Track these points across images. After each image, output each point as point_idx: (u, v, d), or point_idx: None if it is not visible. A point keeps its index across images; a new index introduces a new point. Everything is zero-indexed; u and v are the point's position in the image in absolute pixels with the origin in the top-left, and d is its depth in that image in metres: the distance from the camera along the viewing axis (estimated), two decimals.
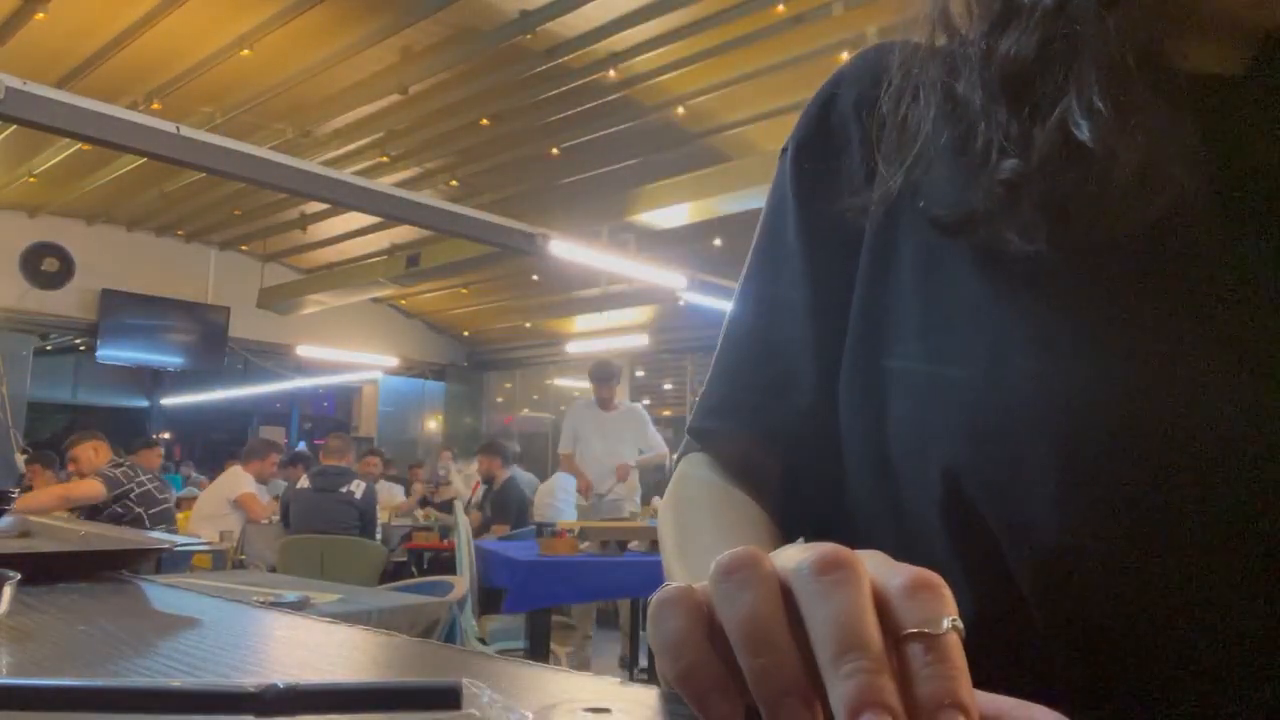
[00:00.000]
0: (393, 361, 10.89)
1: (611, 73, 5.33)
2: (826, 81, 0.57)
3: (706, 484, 0.57)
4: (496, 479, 6.16)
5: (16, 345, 8.29)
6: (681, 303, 7.95)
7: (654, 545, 3.62)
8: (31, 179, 7.23)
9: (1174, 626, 0.39)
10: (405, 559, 6.04)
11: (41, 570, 0.60)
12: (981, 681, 0.27)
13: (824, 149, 0.55)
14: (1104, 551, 0.39)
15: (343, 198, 5.56)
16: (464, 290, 9.93)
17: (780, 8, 4.60)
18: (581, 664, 4.64)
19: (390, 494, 7.48)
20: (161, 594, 0.60)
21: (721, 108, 5.73)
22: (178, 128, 4.57)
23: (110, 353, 8.92)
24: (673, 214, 6.14)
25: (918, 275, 0.48)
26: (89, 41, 5.28)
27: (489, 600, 3.95)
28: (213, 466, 10.67)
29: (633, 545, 3.62)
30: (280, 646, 0.46)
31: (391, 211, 5.85)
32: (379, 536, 5.30)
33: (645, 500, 5.42)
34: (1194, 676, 0.39)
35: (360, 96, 5.85)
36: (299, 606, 2.08)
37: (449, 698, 0.26)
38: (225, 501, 5.69)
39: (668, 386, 11.75)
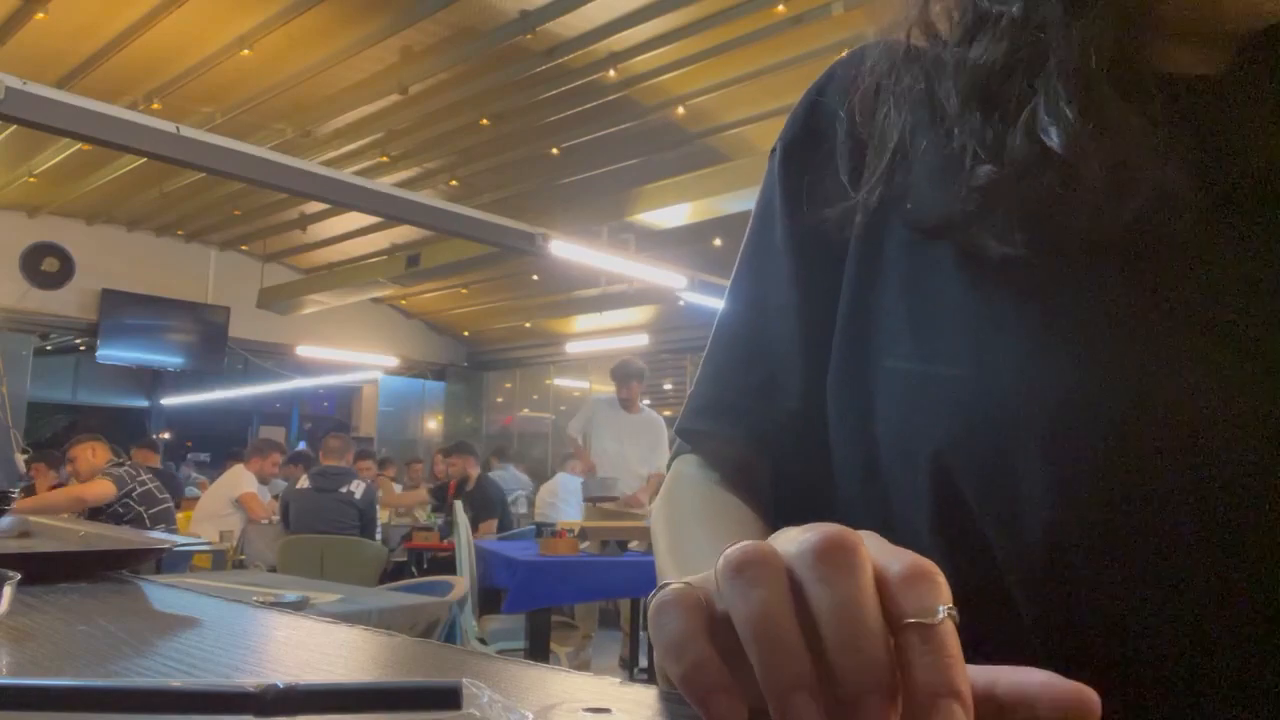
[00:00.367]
0: (392, 361, 10.89)
1: (611, 73, 5.33)
2: (814, 82, 0.59)
3: (697, 484, 0.57)
4: (470, 478, 6.20)
5: (16, 345, 8.29)
6: (681, 303, 7.95)
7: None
8: (31, 179, 7.23)
9: (1158, 626, 0.39)
10: (405, 559, 6.04)
11: (41, 570, 0.60)
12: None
13: (812, 151, 0.56)
14: (1091, 549, 0.40)
15: (343, 198, 5.56)
16: (464, 290, 9.93)
17: (780, 8, 4.60)
18: (581, 664, 4.64)
19: (389, 487, 7.49)
20: (161, 594, 0.60)
21: (721, 108, 5.73)
22: (178, 128, 4.57)
23: (110, 353, 8.92)
24: (673, 214, 6.14)
25: (903, 278, 0.48)
26: (89, 41, 5.28)
27: (489, 600, 3.95)
28: (213, 466, 10.68)
29: (633, 545, 3.62)
30: (280, 646, 0.45)
31: (391, 211, 5.85)
32: (379, 536, 5.29)
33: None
34: (1178, 678, 0.39)
35: (360, 96, 5.85)
36: (299, 606, 2.08)
37: (449, 698, 0.26)
38: (227, 501, 5.69)
39: (668, 386, 11.75)
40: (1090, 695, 0.27)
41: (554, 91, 5.59)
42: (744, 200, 5.84)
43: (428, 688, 0.26)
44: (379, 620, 2.18)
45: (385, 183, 6.34)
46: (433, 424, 11.81)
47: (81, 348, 9.70)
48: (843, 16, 4.60)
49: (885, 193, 0.49)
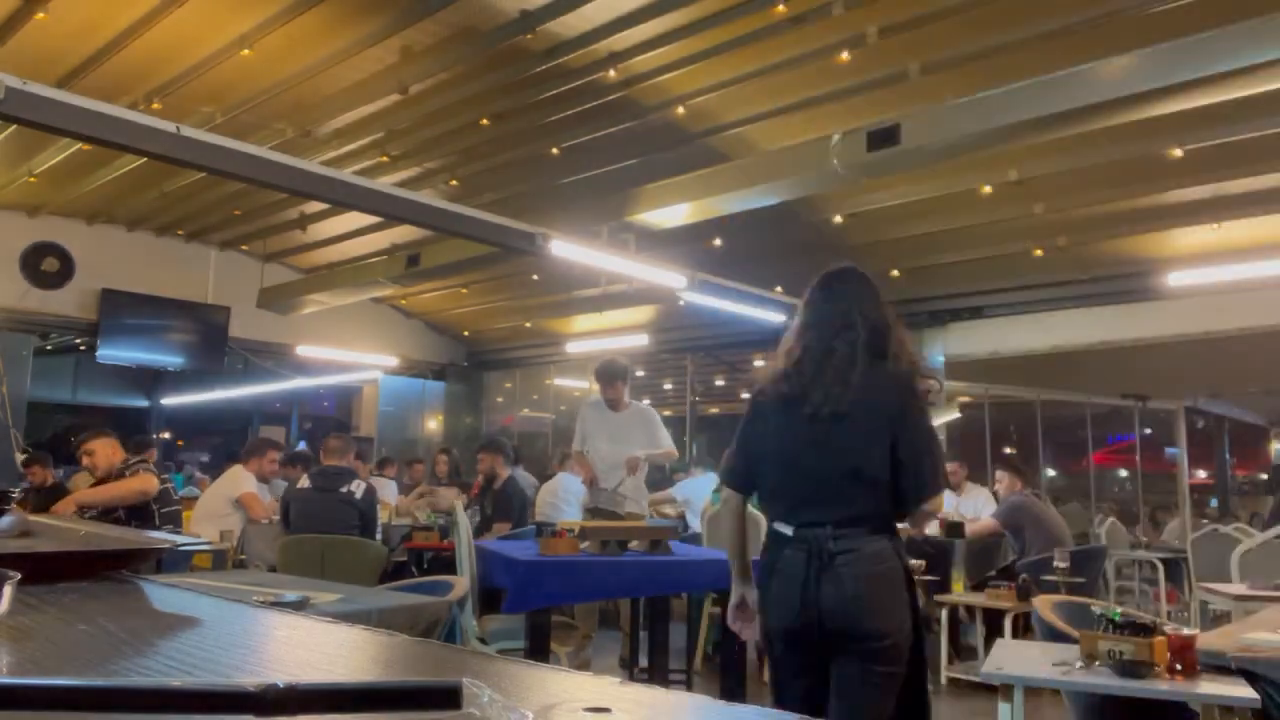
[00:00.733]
0: (392, 361, 10.89)
1: (611, 73, 5.33)
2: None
3: (729, 509, 2.46)
4: (498, 477, 6.14)
5: (16, 345, 8.29)
6: (681, 303, 7.95)
7: (654, 545, 3.62)
8: (31, 179, 7.23)
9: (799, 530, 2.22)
10: (405, 559, 6.03)
11: (41, 570, 0.60)
12: None
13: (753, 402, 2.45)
14: (784, 505, 2.28)
15: (343, 197, 5.55)
16: (464, 290, 9.93)
17: (780, 8, 4.60)
18: (581, 664, 4.64)
19: (385, 490, 7.49)
20: (161, 594, 0.60)
21: (721, 108, 5.73)
22: (178, 127, 4.57)
23: (110, 352, 8.91)
24: (673, 214, 6.14)
25: (761, 424, 2.35)
26: (89, 41, 5.28)
27: (489, 600, 3.95)
28: (213, 466, 10.69)
29: (633, 545, 3.61)
30: (280, 646, 0.45)
31: (391, 211, 5.85)
32: (379, 536, 5.29)
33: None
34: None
35: (360, 96, 5.85)
36: (299, 606, 2.08)
37: (449, 698, 0.26)
38: (226, 501, 5.69)
39: (668, 386, 11.75)
40: None
41: (554, 91, 5.59)
42: (744, 200, 5.84)
43: (428, 688, 0.26)
44: (379, 620, 2.17)
45: (385, 182, 6.34)
46: (433, 424, 11.81)
47: (81, 348, 9.69)
48: (843, 16, 4.59)
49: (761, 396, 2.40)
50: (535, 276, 8.84)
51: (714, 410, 12.56)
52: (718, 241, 7.35)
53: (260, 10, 4.95)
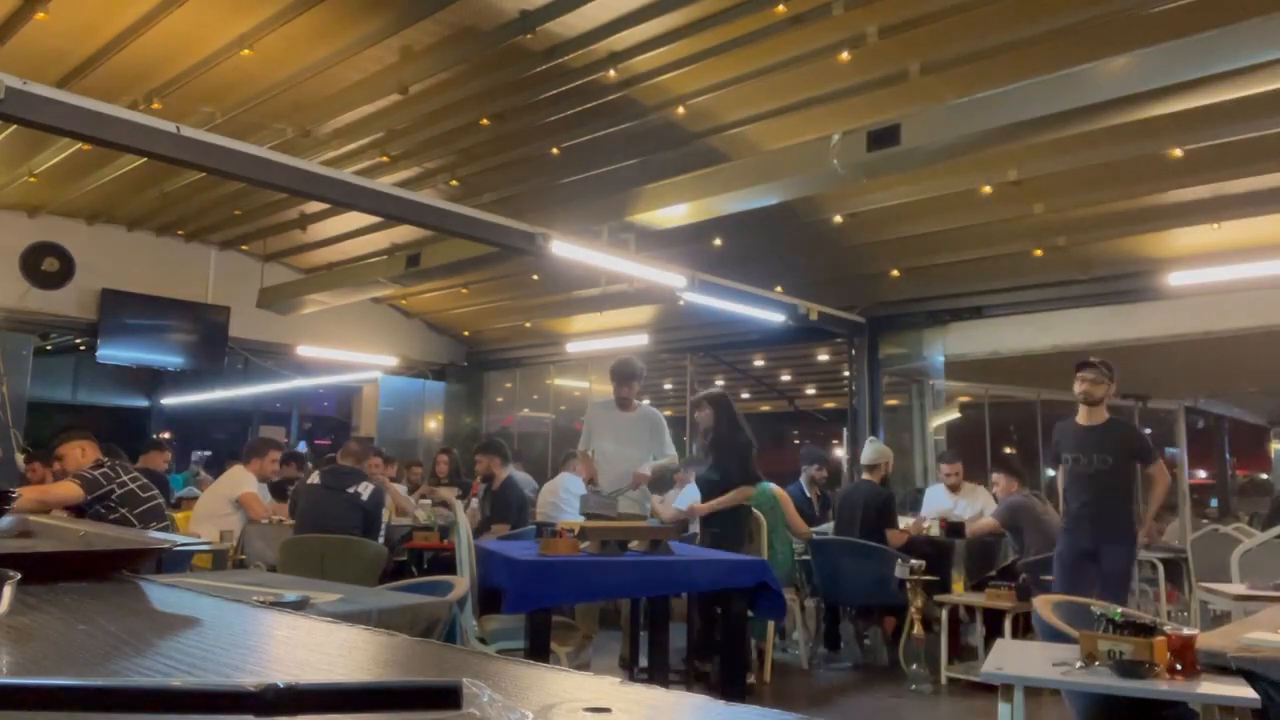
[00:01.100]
0: (392, 361, 10.89)
1: (611, 73, 5.33)
2: None
3: None
4: (496, 478, 6.15)
5: (16, 345, 8.29)
6: (681, 303, 7.95)
7: (654, 545, 3.62)
8: (31, 179, 7.23)
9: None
10: (405, 559, 6.03)
11: (41, 570, 0.60)
12: None
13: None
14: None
15: (343, 197, 5.55)
16: (464, 290, 9.93)
17: (780, 8, 4.60)
18: (581, 664, 4.64)
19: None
20: (161, 594, 0.60)
21: (721, 108, 5.73)
22: (178, 128, 4.57)
23: (110, 353, 8.91)
24: (673, 214, 6.14)
25: None
26: (89, 41, 5.28)
27: (489, 600, 3.94)
28: (213, 466, 10.68)
29: (633, 545, 3.61)
30: (280, 646, 0.45)
31: (391, 211, 5.84)
32: (382, 538, 5.30)
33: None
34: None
35: (360, 96, 5.85)
36: (299, 606, 2.08)
37: (449, 698, 0.26)
38: (227, 501, 5.69)
39: (668, 386, 11.75)
40: None
41: (554, 91, 5.59)
42: (744, 200, 5.84)
43: (428, 688, 0.26)
44: (379, 620, 2.17)
45: (385, 182, 6.33)
46: (433, 424, 11.81)
47: (81, 348, 9.69)
48: (843, 16, 4.59)
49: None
50: (535, 276, 8.84)
51: None
52: (718, 241, 7.35)
53: (260, 10, 4.95)
